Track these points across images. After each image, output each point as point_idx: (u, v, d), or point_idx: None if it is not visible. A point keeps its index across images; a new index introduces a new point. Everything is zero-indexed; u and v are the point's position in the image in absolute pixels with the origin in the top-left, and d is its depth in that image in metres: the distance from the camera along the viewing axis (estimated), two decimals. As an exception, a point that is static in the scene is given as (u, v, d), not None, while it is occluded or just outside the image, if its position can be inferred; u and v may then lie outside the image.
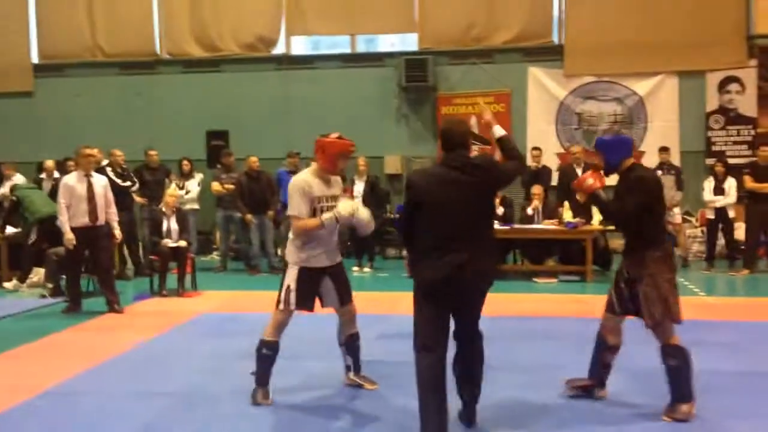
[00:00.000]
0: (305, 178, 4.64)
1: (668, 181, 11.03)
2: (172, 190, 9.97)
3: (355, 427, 4.31)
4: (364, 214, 4.55)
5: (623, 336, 4.58)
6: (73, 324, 7.27)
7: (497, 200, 10.29)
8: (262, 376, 4.74)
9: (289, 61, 13.73)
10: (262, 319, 7.23)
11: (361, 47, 14.08)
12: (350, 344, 4.97)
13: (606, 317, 4.57)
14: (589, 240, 9.56)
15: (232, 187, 10.83)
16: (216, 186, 11.05)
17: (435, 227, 3.79)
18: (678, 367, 4.23)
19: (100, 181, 7.86)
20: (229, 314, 7.73)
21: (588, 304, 8.22)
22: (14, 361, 5.92)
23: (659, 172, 11.06)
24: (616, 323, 4.54)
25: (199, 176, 11.70)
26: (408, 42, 13.71)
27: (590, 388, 4.70)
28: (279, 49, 13.76)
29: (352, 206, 4.52)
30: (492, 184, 3.99)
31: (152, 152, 11.15)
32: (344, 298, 4.82)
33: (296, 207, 4.56)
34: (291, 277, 4.61)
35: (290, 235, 4.69)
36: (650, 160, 12.02)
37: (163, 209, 9.24)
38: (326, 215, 4.50)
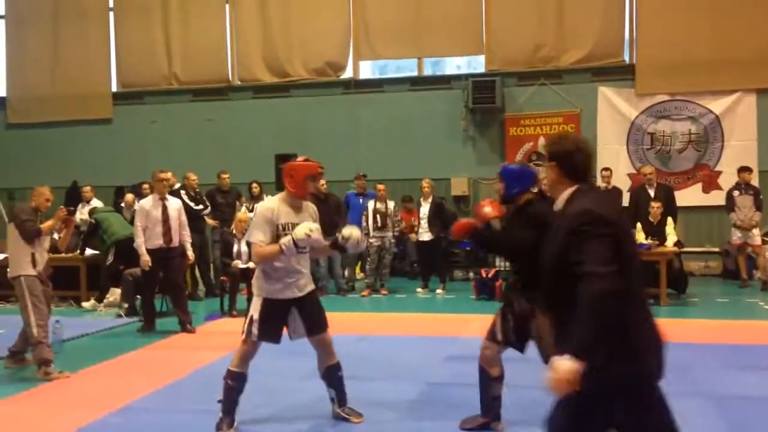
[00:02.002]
0: (270, 206, 4.55)
1: (747, 201, 10.67)
2: (242, 213, 10.19)
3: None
4: (318, 234, 4.37)
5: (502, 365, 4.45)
6: (147, 343, 7.48)
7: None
8: (228, 405, 4.60)
9: (356, 85, 13.91)
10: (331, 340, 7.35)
11: (428, 70, 14.15)
12: (330, 376, 4.80)
13: (486, 345, 4.40)
14: (663, 262, 9.28)
15: (300, 210, 10.98)
16: (285, 208, 11.22)
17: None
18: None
19: (174, 205, 8.10)
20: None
21: (662, 327, 7.97)
22: (92, 378, 6.12)
23: (736, 193, 10.74)
24: (496, 353, 4.39)
25: (268, 199, 11.89)
26: (475, 64, 13.71)
27: (485, 424, 4.50)
28: (347, 74, 13.97)
29: (309, 228, 4.35)
30: None
31: (224, 175, 11.44)
32: (312, 329, 4.64)
33: (256, 234, 4.45)
34: (255, 308, 4.51)
35: (258, 264, 4.57)
36: (728, 180, 11.65)
37: (234, 231, 9.44)
38: (284, 239, 4.36)
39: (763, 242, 10.87)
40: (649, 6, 12.54)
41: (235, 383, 4.57)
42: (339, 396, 4.82)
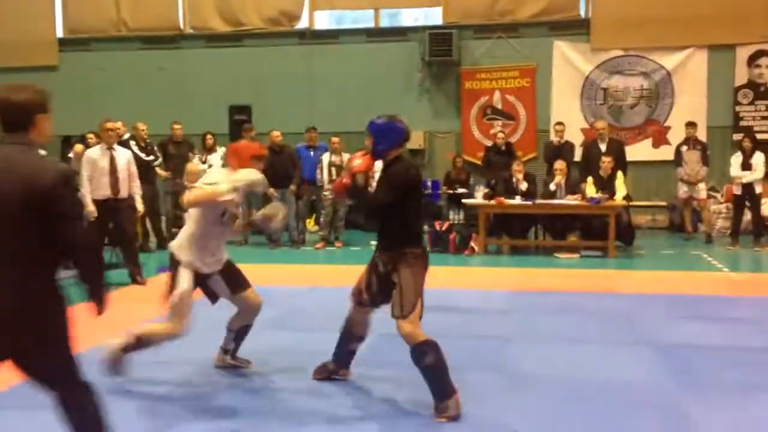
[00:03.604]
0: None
1: (694, 156, 10.89)
2: (193, 164, 10.02)
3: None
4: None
5: (371, 327, 4.51)
6: (96, 295, 7.35)
7: (521, 175, 10.23)
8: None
9: (312, 36, 13.67)
10: (282, 291, 7.37)
11: (385, 21, 13.96)
12: (241, 332, 4.85)
13: (352, 307, 4.46)
14: (612, 215, 9.46)
15: (253, 161, 10.86)
16: (238, 160, 11.09)
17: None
18: (434, 365, 3.94)
19: (123, 155, 7.92)
20: (250, 287, 7.77)
21: (610, 279, 8.19)
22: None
23: (684, 148, 10.95)
24: (363, 314, 4.45)
25: (221, 150, 11.72)
26: (432, 16, 13.56)
27: (335, 372, 4.63)
28: (302, 24, 13.70)
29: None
30: None
31: (177, 126, 11.21)
32: (234, 287, 4.64)
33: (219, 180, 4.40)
34: (184, 280, 4.44)
35: (187, 229, 4.49)
36: (677, 135, 11.86)
37: (186, 183, 9.28)
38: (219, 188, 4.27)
39: (708, 196, 11.16)
40: (605, -40, 12.53)
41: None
42: (236, 349, 4.90)
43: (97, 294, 3.04)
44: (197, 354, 4.98)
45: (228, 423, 3.95)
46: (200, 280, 4.52)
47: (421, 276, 4.07)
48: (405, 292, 4.00)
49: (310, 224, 12.03)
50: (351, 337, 4.55)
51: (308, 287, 7.67)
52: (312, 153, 11.13)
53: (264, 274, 8.60)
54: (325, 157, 10.81)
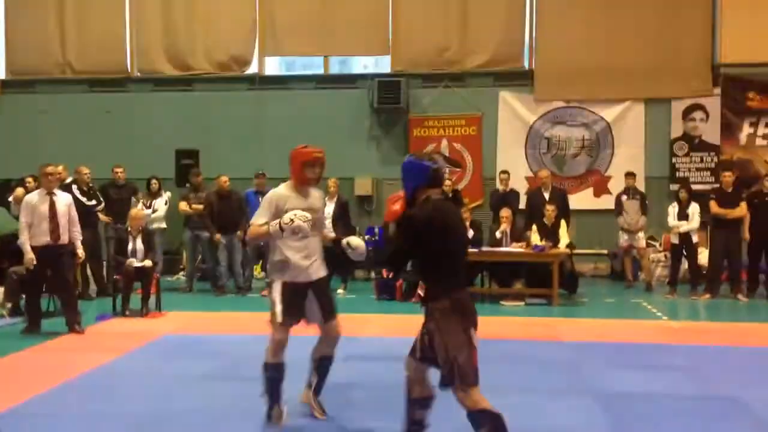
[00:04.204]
0: (279, 191, 4.70)
1: (633, 206, 11.22)
2: (137, 210, 9.87)
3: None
4: (300, 221, 4.40)
5: (431, 388, 3.97)
6: (32, 344, 7.13)
7: (467, 223, 10.37)
8: (272, 396, 4.70)
9: (261, 82, 13.73)
10: (227, 340, 7.26)
11: (335, 69, 14.14)
12: (321, 364, 4.85)
13: (408, 361, 3.95)
14: (556, 263, 9.64)
15: (200, 207, 10.77)
16: (183, 206, 10.99)
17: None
18: None
19: (63, 200, 7.76)
20: (194, 335, 7.65)
21: (554, 327, 8.30)
22: (-30, 382, 5.78)
23: (624, 197, 11.29)
24: (419, 371, 3.92)
25: (166, 195, 11.62)
26: (381, 64, 13.80)
27: None
28: (252, 69, 13.77)
29: (293, 214, 4.41)
30: None
31: (118, 169, 11.07)
32: (327, 314, 4.72)
33: (257, 216, 4.63)
34: (276, 292, 4.61)
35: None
36: (617, 185, 12.22)
37: (129, 228, 9.14)
38: (272, 223, 4.48)
39: (647, 245, 11.47)
40: (547, 15, 12.97)
41: (273, 374, 4.67)
42: (318, 385, 4.86)
43: None
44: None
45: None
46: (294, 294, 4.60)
47: (455, 332, 3.64)
48: (439, 356, 3.65)
49: (257, 271, 11.92)
50: (412, 403, 3.97)
51: (255, 335, 7.55)
52: (260, 198, 11.06)
53: (209, 322, 8.50)
54: (273, 203, 10.76)
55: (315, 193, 4.81)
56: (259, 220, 4.59)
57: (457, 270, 3.80)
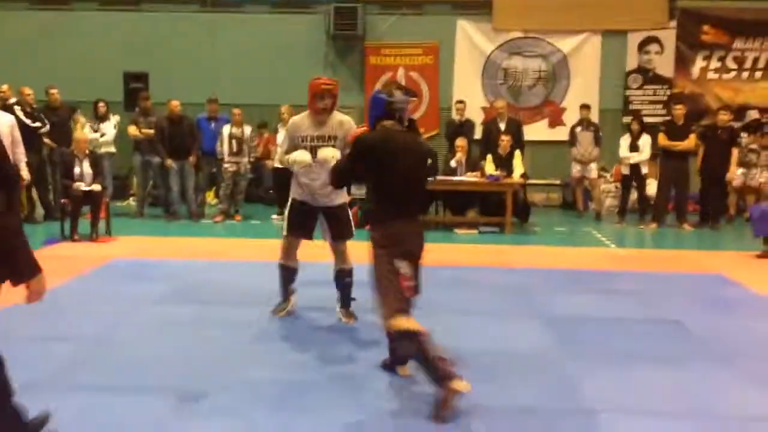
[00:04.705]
0: (295, 120, 5.14)
1: (587, 137, 11.33)
2: (80, 132, 9.57)
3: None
4: (302, 157, 4.90)
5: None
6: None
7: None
8: (283, 291, 5.40)
9: (214, 4, 13.27)
10: (180, 265, 7.20)
11: (291, -8, 13.72)
12: (338, 278, 5.30)
13: None
14: (509, 192, 9.74)
15: (150, 131, 10.50)
16: (133, 130, 10.70)
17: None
18: (409, 356, 3.79)
19: (5, 120, 7.50)
20: (145, 260, 7.55)
21: (505, 254, 8.44)
22: None
23: (578, 129, 11.39)
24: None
25: (115, 119, 11.29)
26: (338, -11, 13.43)
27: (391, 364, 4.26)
28: (204, -10, 13.29)
29: (297, 162, 4.90)
30: None
31: (53, 91, 10.55)
32: (335, 236, 5.20)
33: (281, 144, 5.49)
34: (287, 207, 5.25)
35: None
36: (571, 116, 12.31)
37: (75, 152, 8.88)
38: (290, 155, 4.97)
39: (599, 176, 11.66)
40: (508, -59, 12.75)
41: (284, 273, 5.35)
42: (342, 299, 5.34)
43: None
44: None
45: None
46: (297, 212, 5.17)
47: (380, 261, 3.77)
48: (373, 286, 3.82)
49: (210, 197, 11.78)
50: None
51: (207, 261, 7.52)
52: (213, 125, 10.86)
53: (161, 248, 8.40)
54: (226, 129, 10.59)
55: (333, 122, 5.01)
56: (282, 149, 5.27)
57: (399, 199, 3.84)
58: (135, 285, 6.34)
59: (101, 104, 11.08)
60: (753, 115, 11.98)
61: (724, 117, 10.57)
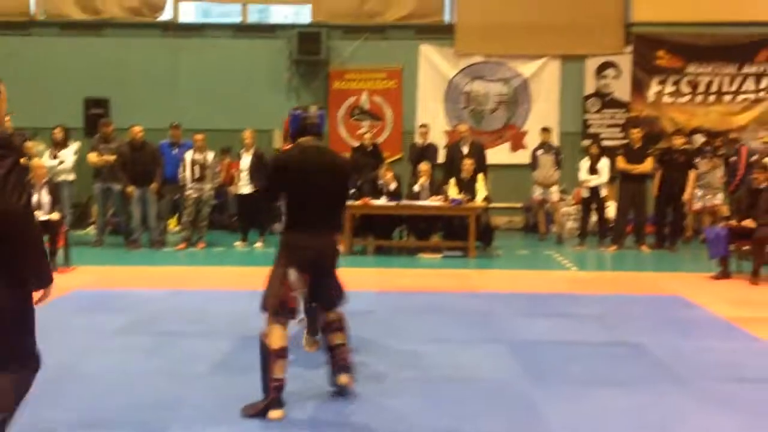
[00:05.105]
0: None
1: (548, 161, 11.52)
2: (38, 160, 9.42)
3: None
4: None
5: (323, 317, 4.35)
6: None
7: (390, 174, 10.45)
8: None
9: (176, 29, 13.26)
10: (140, 294, 7.11)
11: (254, 17, 13.77)
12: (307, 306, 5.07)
13: None
14: (473, 216, 9.83)
15: (111, 158, 10.39)
16: (93, 157, 10.57)
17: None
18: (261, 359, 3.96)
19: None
20: (105, 291, 7.45)
21: (469, 279, 8.50)
22: None
23: (540, 152, 11.56)
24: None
25: (75, 145, 11.13)
26: (302, 15, 13.53)
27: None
28: (167, 15, 13.26)
29: None
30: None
31: (7, 118, 10.40)
32: None
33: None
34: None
35: None
36: (533, 140, 12.50)
37: (32, 180, 8.73)
38: None
39: (560, 199, 11.83)
40: (468, -31, 12.98)
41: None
42: (308, 325, 5.26)
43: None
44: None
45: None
46: None
47: (276, 266, 3.98)
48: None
49: (172, 224, 11.67)
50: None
51: (169, 290, 7.44)
52: (175, 151, 10.79)
53: (122, 277, 8.29)
54: (188, 155, 10.53)
55: None
56: None
57: (306, 213, 4.03)
58: (95, 316, 6.24)
59: (57, 130, 10.83)
60: (699, 140, 12.31)
61: (677, 141, 10.82)
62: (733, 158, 11.24)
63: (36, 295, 2.99)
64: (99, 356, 5.10)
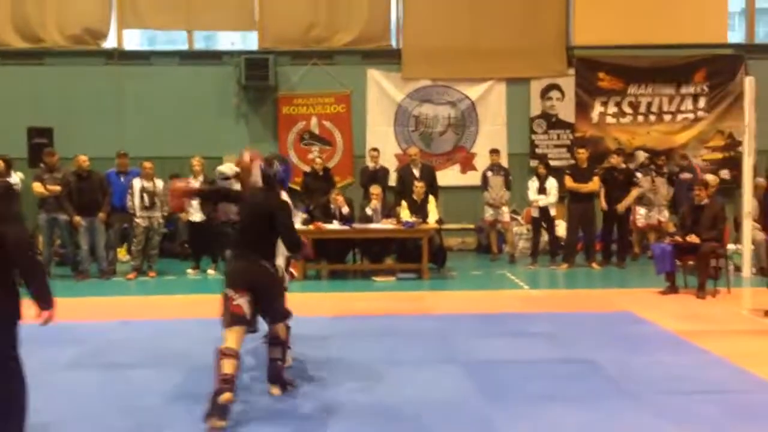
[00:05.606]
0: None
1: (498, 182, 11.67)
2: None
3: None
4: None
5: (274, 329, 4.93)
6: None
7: (341, 198, 10.45)
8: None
9: (121, 56, 13.09)
10: (89, 326, 6.93)
11: (200, 44, 13.70)
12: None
13: None
14: (425, 238, 9.89)
15: (56, 188, 10.15)
16: (38, 187, 10.29)
17: None
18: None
19: None
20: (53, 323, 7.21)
21: (423, 301, 8.54)
22: None
23: (489, 173, 11.72)
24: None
25: (18, 176, 10.86)
26: (248, 41, 13.52)
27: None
28: (110, 43, 13.09)
29: None
30: None
31: None
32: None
33: None
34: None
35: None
36: (482, 161, 12.68)
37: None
38: None
39: (511, 219, 11.99)
40: (413, -5, 13.19)
41: None
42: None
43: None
44: None
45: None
46: None
47: (224, 288, 4.64)
48: None
49: (122, 254, 11.44)
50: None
51: (119, 321, 7.28)
52: (123, 179, 10.61)
53: (70, 309, 8.02)
54: (137, 183, 10.36)
55: None
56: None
57: (239, 241, 4.80)
58: (42, 350, 6.01)
59: (-1, 161, 10.55)
60: (641, 156, 12.65)
61: (613, 160, 11.09)
62: (687, 175, 11.49)
63: (43, 315, 3.64)
64: (46, 391, 4.93)
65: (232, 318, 4.52)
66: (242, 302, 4.51)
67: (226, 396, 4.22)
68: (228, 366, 4.32)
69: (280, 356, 4.88)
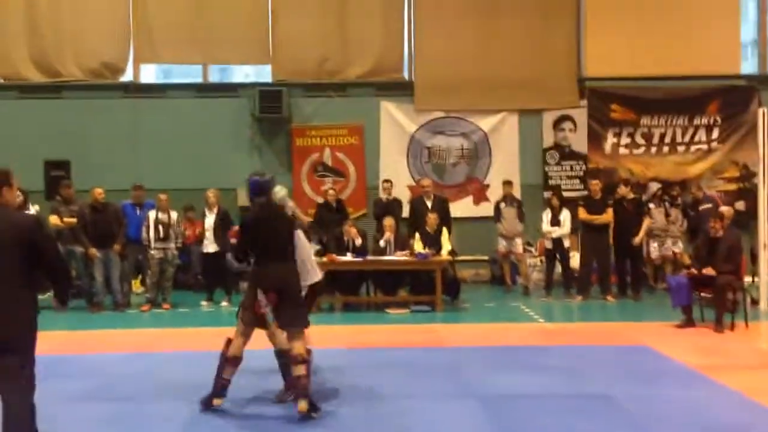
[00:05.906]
0: None
1: (511, 213, 11.65)
2: None
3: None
4: None
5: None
6: None
7: (354, 230, 10.45)
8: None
9: (137, 90, 13.27)
10: (102, 359, 6.94)
11: (215, 77, 13.88)
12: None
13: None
14: (439, 270, 9.86)
15: (72, 220, 10.24)
16: (54, 219, 10.39)
17: None
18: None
19: None
20: (64, 356, 7.22)
21: (437, 333, 8.49)
22: None
23: (503, 204, 11.71)
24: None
25: (34, 209, 10.95)
26: (262, 73, 13.67)
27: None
28: (127, 77, 13.29)
29: None
30: None
31: None
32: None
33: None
34: None
35: None
36: (495, 192, 12.68)
37: None
38: None
39: (524, 250, 11.95)
40: (426, 28, 13.30)
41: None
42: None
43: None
44: None
45: None
46: None
47: (249, 289, 5.22)
48: None
49: (136, 286, 11.48)
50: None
51: (133, 353, 7.28)
52: (138, 211, 10.68)
53: (84, 341, 8.09)
54: (152, 215, 10.43)
55: None
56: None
57: (265, 252, 5.18)
58: (55, 383, 6.01)
59: (17, 194, 10.69)
60: (653, 187, 12.61)
61: (621, 191, 11.02)
62: (707, 205, 11.33)
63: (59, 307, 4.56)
64: (58, 424, 4.93)
65: (254, 319, 5.14)
66: (268, 311, 5.05)
67: (218, 401, 5.08)
68: (229, 372, 5.08)
69: (305, 372, 5.08)
